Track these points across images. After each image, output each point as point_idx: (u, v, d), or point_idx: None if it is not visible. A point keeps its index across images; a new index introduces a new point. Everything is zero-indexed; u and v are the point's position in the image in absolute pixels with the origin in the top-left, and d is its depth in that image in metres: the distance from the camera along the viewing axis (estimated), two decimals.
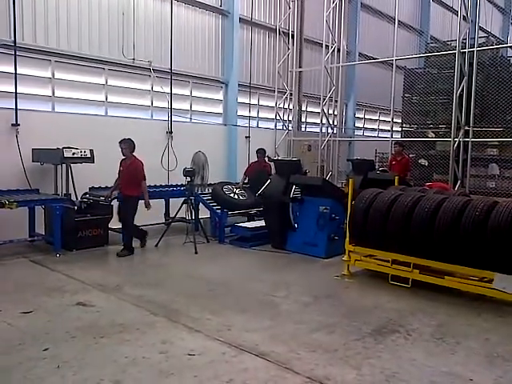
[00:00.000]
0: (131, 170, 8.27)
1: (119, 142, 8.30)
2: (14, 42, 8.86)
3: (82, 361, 4.16)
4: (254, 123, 14.41)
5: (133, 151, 8.35)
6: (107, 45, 10.53)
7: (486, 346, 4.70)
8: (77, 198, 8.77)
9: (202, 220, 9.91)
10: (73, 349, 4.40)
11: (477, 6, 11.52)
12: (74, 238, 8.32)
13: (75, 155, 8.68)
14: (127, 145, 8.28)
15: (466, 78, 10.53)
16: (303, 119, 15.87)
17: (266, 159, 11.32)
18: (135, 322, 5.11)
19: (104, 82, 10.65)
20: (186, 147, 10.66)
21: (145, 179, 8.34)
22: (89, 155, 8.89)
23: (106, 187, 9.64)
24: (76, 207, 8.50)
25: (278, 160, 10.30)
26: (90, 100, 10.42)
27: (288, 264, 7.97)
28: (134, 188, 8.27)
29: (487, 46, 11.94)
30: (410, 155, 12.52)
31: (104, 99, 10.66)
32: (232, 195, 10.21)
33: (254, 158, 11.92)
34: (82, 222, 8.49)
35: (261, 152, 11.15)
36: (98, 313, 5.39)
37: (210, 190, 10.18)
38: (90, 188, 9.32)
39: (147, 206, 8.29)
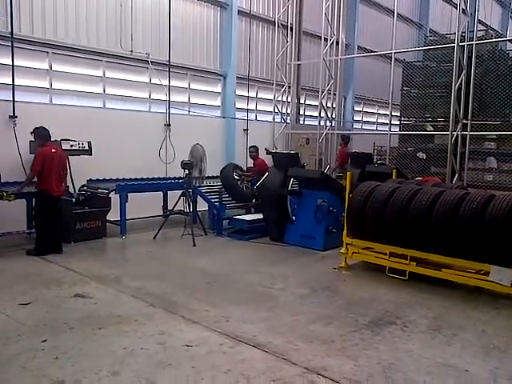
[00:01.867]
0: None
1: (30, 133, 7.69)
2: (11, 33, 8.79)
3: (80, 352, 4.18)
4: (252, 116, 14.39)
5: (48, 139, 7.60)
6: (105, 37, 10.46)
7: (482, 337, 4.73)
8: (75, 191, 8.74)
9: (200, 212, 9.93)
10: (71, 340, 4.41)
11: None
12: (72, 231, 8.32)
13: (73, 147, 8.71)
14: (37, 134, 7.61)
15: (464, 71, 10.51)
16: (301, 112, 15.86)
17: (265, 152, 11.27)
18: (133, 313, 5.12)
19: (102, 74, 10.59)
20: (184, 140, 10.62)
21: (35, 170, 7.33)
22: (87, 147, 8.90)
23: (104, 179, 9.68)
24: (74, 199, 8.48)
25: (276, 153, 10.30)
26: (88, 92, 10.36)
27: (286, 256, 7.99)
28: (40, 180, 7.47)
29: (486, 39, 11.92)
30: (409, 148, 12.54)
31: (102, 91, 10.61)
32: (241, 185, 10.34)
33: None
34: (80, 215, 8.48)
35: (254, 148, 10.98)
36: (96, 304, 5.41)
37: (220, 174, 10.25)
38: (87, 180, 9.34)
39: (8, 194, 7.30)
